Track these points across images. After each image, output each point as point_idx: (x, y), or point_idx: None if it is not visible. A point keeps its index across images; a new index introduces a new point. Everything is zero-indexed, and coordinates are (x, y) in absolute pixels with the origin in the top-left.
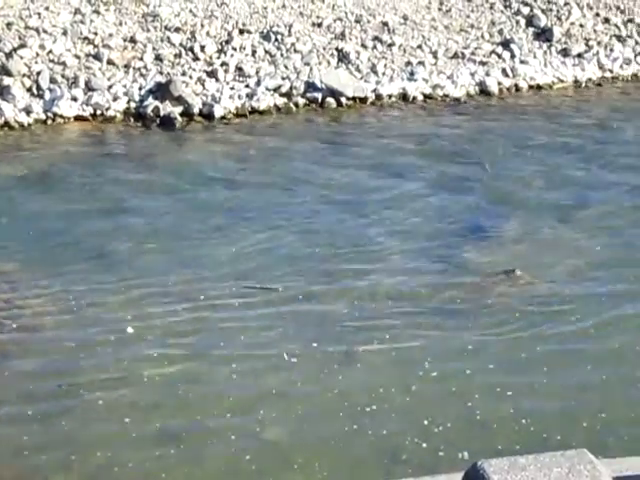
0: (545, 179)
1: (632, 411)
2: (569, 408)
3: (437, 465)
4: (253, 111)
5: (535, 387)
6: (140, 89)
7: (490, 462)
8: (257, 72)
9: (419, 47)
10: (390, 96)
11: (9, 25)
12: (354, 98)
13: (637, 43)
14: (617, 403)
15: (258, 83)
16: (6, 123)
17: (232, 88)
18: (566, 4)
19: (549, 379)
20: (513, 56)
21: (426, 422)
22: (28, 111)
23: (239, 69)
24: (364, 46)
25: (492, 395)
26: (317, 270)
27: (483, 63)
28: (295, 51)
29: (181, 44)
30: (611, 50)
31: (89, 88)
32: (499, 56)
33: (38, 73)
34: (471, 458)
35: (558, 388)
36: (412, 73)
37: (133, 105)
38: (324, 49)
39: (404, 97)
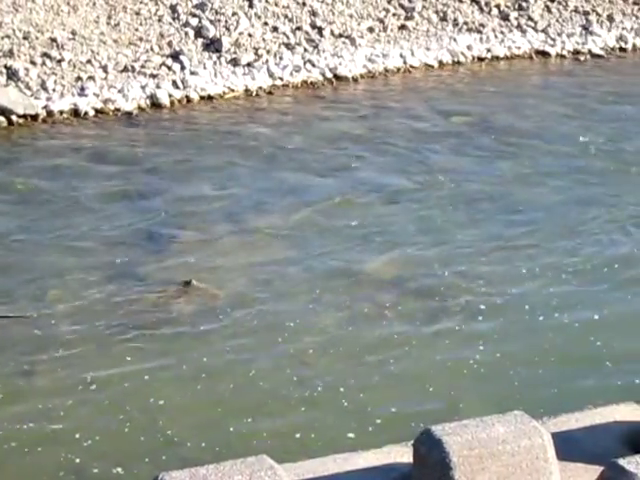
0: (218, 186)
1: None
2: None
3: None
4: None
5: (189, 396)
6: None
7: (171, 474)
8: None
9: (89, 62)
10: (62, 112)
11: None
12: (25, 116)
13: (306, 50)
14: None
15: None
16: None
17: None
18: (234, 14)
19: (205, 390)
20: (183, 68)
21: (77, 435)
22: None
23: None
24: (33, 63)
25: (147, 409)
26: None
27: (153, 76)
28: None
29: None
30: (280, 58)
31: None
32: (169, 68)
33: None
34: (126, 470)
35: (215, 402)
36: (83, 88)
37: None
38: None
39: (76, 113)
